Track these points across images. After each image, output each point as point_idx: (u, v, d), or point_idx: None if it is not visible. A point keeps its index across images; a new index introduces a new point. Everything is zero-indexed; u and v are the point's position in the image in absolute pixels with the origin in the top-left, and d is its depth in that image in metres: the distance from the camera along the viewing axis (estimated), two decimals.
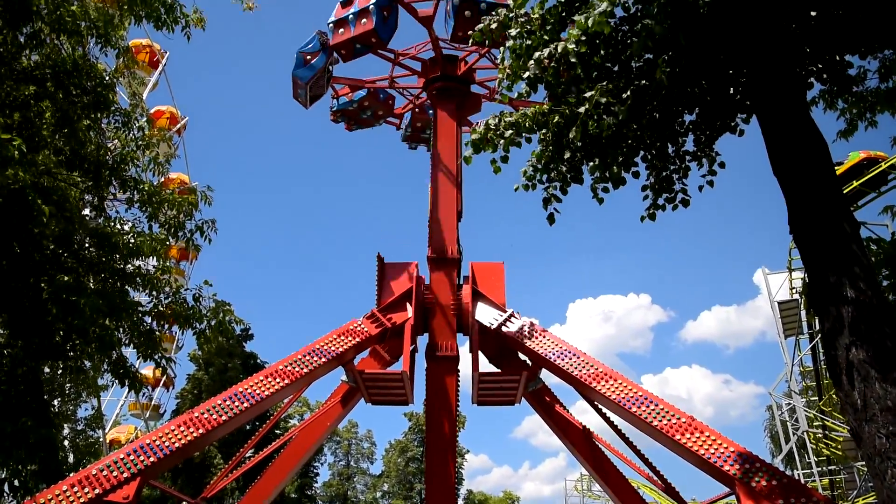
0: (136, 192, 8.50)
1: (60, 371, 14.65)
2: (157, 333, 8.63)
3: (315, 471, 61.13)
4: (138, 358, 8.58)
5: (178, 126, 39.72)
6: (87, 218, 8.64)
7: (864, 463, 29.30)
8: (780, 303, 32.01)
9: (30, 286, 7.35)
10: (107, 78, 8.42)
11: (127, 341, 8.26)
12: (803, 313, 31.05)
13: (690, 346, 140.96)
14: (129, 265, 8.97)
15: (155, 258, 9.48)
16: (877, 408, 5.93)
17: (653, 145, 8.10)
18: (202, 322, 8.75)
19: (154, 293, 9.02)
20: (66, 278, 7.02)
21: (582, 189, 8.06)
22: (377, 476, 66.99)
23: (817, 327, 30.71)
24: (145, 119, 9.26)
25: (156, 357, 8.32)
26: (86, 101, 7.87)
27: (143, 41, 36.06)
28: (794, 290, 31.67)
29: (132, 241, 8.35)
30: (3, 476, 7.25)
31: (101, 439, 35.10)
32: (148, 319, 8.61)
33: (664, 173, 8.51)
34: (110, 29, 8.53)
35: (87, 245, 8.64)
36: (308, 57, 17.20)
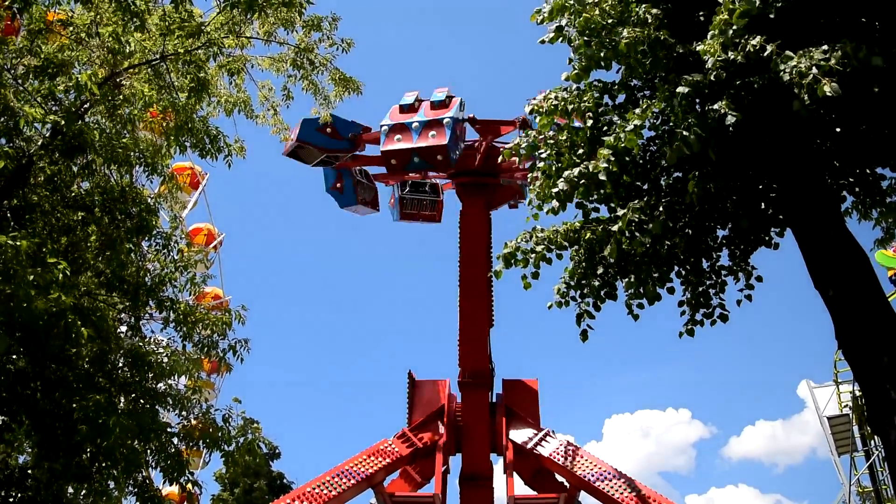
0: (172, 312, 8.62)
1: (84, 493, 14.35)
2: (185, 455, 8.43)
3: None
4: (164, 481, 8.33)
5: (215, 242, 40.96)
6: (122, 338, 8.73)
7: None
8: (829, 418, 30.35)
9: (61, 406, 7.33)
10: (150, 203, 8.79)
11: (154, 463, 8.07)
12: (856, 429, 29.32)
13: (736, 464, 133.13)
14: (161, 384, 8.94)
15: (186, 377, 9.44)
16: None
17: (687, 261, 8.04)
18: (230, 444, 8.54)
19: (184, 413, 8.91)
20: (98, 398, 7.00)
21: (616, 302, 7.96)
22: None
23: (874, 444, 28.92)
24: (185, 241, 9.52)
25: (181, 481, 8.08)
26: (129, 226, 8.17)
27: (185, 164, 38.08)
28: (843, 405, 30.13)
29: (166, 360, 8.38)
30: None
31: None
32: (176, 441, 8.46)
33: (700, 288, 8.38)
34: (158, 158, 9.01)
35: (120, 365, 8.68)
36: (338, 185, 17.22)
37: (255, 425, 9.41)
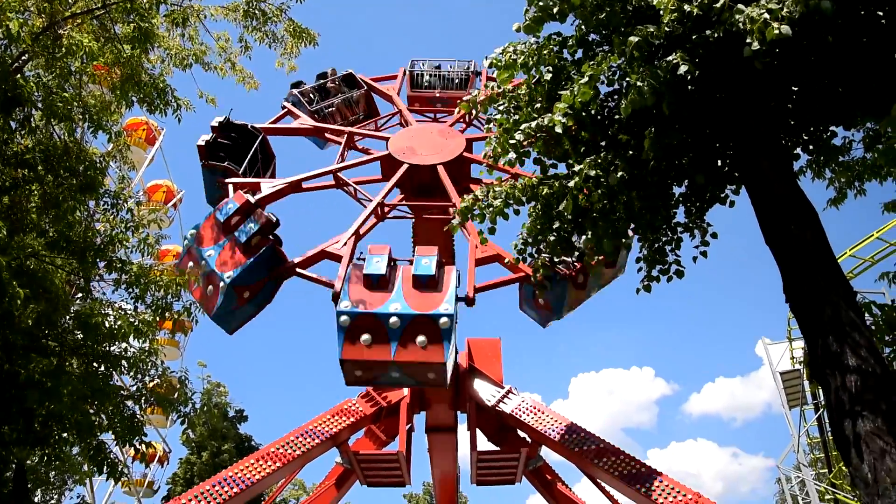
0: (122, 274, 8.39)
1: (37, 458, 14.16)
2: (139, 418, 8.32)
3: None
4: (116, 443, 8.23)
5: (174, 200, 40.06)
6: (72, 300, 8.49)
7: None
8: (782, 373, 31.52)
9: (7, 371, 7.12)
10: (97, 161, 8.47)
11: (107, 426, 7.94)
12: (806, 383, 30.52)
13: (696, 420, 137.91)
14: (114, 347, 8.75)
15: (141, 340, 9.26)
16: (888, 482, 5.66)
17: (644, 217, 8.10)
18: (187, 405, 8.46)
19: (139, 376, 8.76)
20: (45, 362, 6.81)
21: (571, 258, 8.02)
22: None
23: (822, 397, 30.16)
24: (134, 201, 9.24)
25: (135, 443, 7.99)
26: (74, 184, 7.87)
27: (140, 118, 36.88)
28: (795, 360, 31.25)
29: (116, 323, 8.18)
30: None
31: None
32: (130, 404, 8.33)
33: (657, 245, 8.48)
34: (104, 114, 8.65)
35: (70, 328, 8.45)
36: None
37: (221, 388, 9.32)
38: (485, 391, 15.18)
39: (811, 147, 8.63)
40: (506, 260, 12.07)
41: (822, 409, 30.47)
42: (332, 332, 11.12)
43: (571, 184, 7.05)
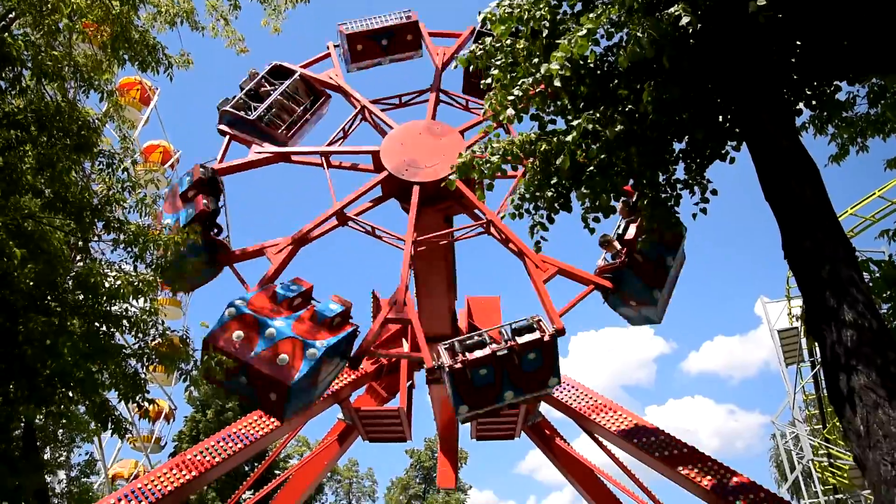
0: (121, 234, 8.37)
1: (43, 416, 14.38)
2: (142, 376, 8.41)
3: None
4: (119, 400, 8.34)
5: (172, 160, 39.76)
6: (69, 260, 8.49)
7: (870, 491, 28.75)
8: (780, 331, 31.73)
9: (6, 329, 7.17)
10: (92, 121, 8.36)
11: (110, 385, 8.03)
12: (804, 341, 30.74)
13: (694, 377, 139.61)
14: (115, 307, 8.78)
15: (142, 299, 9.29)
16: (880, 434, 5.74)
17: (643, 174, 8.04)
18: (188, 362, 8.54)
19: (140, 335, 8.81)
20: (42, 319, 6.85)
21: (570, 214, 7.98)
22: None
23: (818, 355, 30.45)
24: (130, 161, 9.14)
25: (138, 400, 8.10)
26: (68, 144, 7.79)
27: (133, 77, 36.32)
28: (793, 318, 31.42)
29: (115, 283, 8.19)
30: None
31: (95, 485, 34.45)
32: (133, 362, 8.41)
33: (656, 202, 8.43)
34: (96, 73, 8.51)
35: (70, 288, 8.47)
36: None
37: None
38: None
39: (814, 102, 8.51)
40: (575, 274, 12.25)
41: (818, 367, 30.77)
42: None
43: (569, 138, 6.98)
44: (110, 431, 8.53)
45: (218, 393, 39.71)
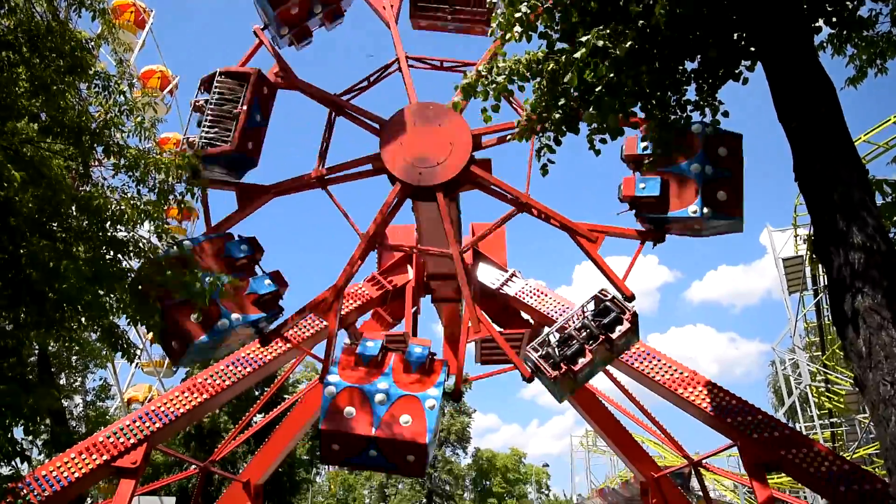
0: (121, 158, 8.27)
1: (55, 343, 14.66)
2: (151, 300, 8.51)
3: None
4: (128, 324, 8.47)
5: (170, 86, 38.97)
6: (76, 191, 8.42)
7: (866, 415, 29.39)
8: (784, 259, 31.80)
9: (7, 251, 7.18)
10: (85, 41, 8.10)
11: (118, 308, 8.12)
12: (808, 269, 30.87)
13: (697, 306, 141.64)
14: (119, 232, 8.79)
15: (147, 224, 9.28)
16: (882, 355, 5.79)
17: (653, 94, 7.80)
18: (195, 284, 8.61)
19: (147, 259, 8.85)
20: (45, 243, 6.85)
21: (584, 148, 7.81)
22: None
23: (822, 282, 30.57)
24: (127, 84, 8.91)
25: (147, 323, 8.21)
26: (61, 65, 7.58)
27: (127, 0, 35.20)
28: (798, 246, 31.45)
29: (119, 207, 8.16)
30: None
31: (110, 409, 35.62)
32: (140, 286, 8.48)
33: (665, 124, 8.22)
34: None
35: (74, 214, 8.44)
36: None
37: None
38: (489, 275, 15.43)
39: (834, 19, 8.15)
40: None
41: (820, 295, 31.01)
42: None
43: (577, 55, 6.73)
44: (121, 356, 8.71)
45: None
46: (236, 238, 11.71)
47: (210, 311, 10.46)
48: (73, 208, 8.08)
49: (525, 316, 16.29)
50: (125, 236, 8.98)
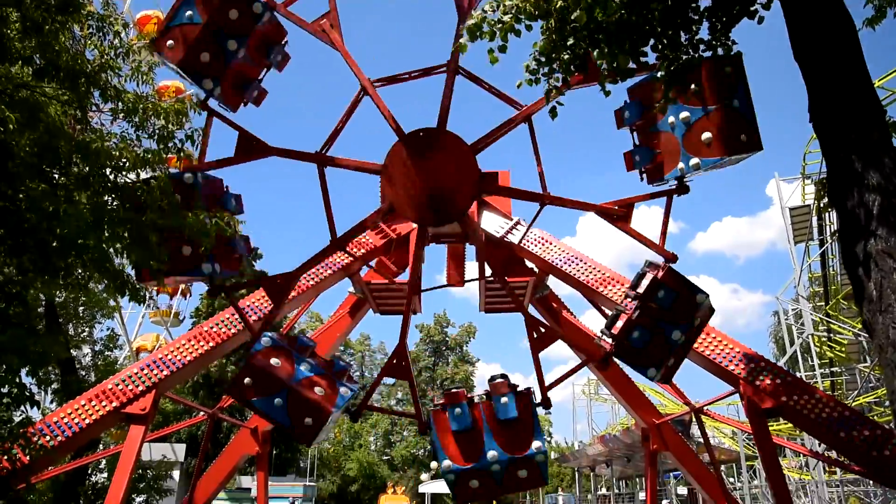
0: (118, 102, 8.09)
1: (62, 292, 14.65)
2: (154, 243, 8.45)
3: None
4: (132, 268, 8.42)
5: None
6: (70, 130, 8.25)
7: (866, 364, 29.59)
8: (791, 209, 31.58)
9: (9, 198, 7.09)
10: None
11: (121, 251, 8.08)
12: (814, 219, 30.67)
13: (700, 257, 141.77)
14: (121, 178, 8.67)
15: (149, 170, 9.15)
16: (893, 298, 5.72)
17: (664, 33, 7.54)
18: (197, 227, 8.54)
19: (151, 206, 8.75)
20: (44, 187, 6.76)
21: (591, 100, 7.61)
22: (391, 385, 69.15)
23: (828, 232, 30.42)
24: (121, 23, 8.65)
25: (152, 266, 8.18)
26: (52, 3, 7.33)
27: None
28: (806, 196, 31.17)
29: (118, 151, 8.01)
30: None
31: (119, 358, 36.15)
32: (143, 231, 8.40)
33: (677, 64, 7.97)
34: None
35: (75, 161, 8.32)
36: None
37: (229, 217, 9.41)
38: (493, 223, 15.30)
39: None
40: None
41: (826, 244, 30.90)
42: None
43: None
44: (128, 302, 8.72)
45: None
46: (227, 189, 11.61)
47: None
48: (73, 154, 7.96)
49: (530, 265, 16.24)
50: (125, 183, 8.88)
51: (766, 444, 12.42)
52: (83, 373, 25.32)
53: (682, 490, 52.87)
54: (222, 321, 14.37)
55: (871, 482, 31.25)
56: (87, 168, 8.00)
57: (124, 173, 8.80)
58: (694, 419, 18.05)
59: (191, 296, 46.79)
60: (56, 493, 19.17)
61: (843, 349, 32.81)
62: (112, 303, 29.98)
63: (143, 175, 9.24)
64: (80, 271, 8.20)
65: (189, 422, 25.20)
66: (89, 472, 21.58)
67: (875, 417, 23.05)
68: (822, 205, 29.59)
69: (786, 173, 35.91)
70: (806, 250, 32.56)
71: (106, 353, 27.21)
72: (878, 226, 5.85)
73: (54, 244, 7.59)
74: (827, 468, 31.40)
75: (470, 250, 15.87)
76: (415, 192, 11.64)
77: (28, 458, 11.63)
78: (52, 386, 25.05)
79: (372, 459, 61.28)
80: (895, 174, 6.01)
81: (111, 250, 7.93)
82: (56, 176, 8.10)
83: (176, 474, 30.74)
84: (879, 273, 5.82)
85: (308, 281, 14.71)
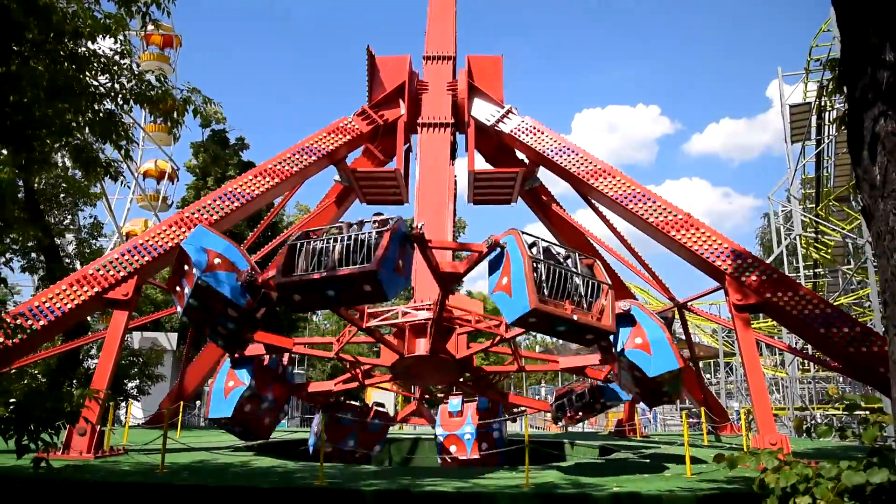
0: None
1: (41, 180, 14.13)
2: (119, 117, 7.93)
3: None
4: (97, 141, 7.95)
5: None
6: None
7: (849, 266, 29.78)
8: (792, 106, 30.78)
9: None
10: None
11: (86, 125, 7.58)
12: (814, 118, 29.97)
13: (694, 159, 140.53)
14: (81, 48, 8.01)
15: (113, 39, 8.47)
16: None
17: None
18: (164, 101, 7.99)
19: (113, 78, 8.15)
20: None
21: None
22: None
23: (826, 133, 29.83)
24: None
25: (120, 143, 7.70)
26: None
27: None
28: (807, 94, 30.33)
29: (76, 16, 7.33)
30: None
31: (108, 245, 36.01)
32: (108, 104, 7.86)
33: None
34: None
35: (29, 26, 7.62)
36: None
37: (201, 95, 8.84)
38: (484, 111, 14.73)
39: None
40: None
41: (823, 145, 30.37)
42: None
43: None
44: (103, 174, 8.30)
45: (217, 160, 39.92)
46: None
47: None
48: (30, 20, 7.27)
49: (520, 155, 15.83)
50: (87, 52, 8.23)
51: (747, 339, 12.55)
52: (68, 261, 25.18)
53: None
54: (205, 206, 14.03)
55: (841, 379, 32.47)
56: (44, 36, 7.34)
57: (84, 40, 8.14)
58: (677, 315, 18.30)
59: (178, 180, 46.39)
60: (49, 378, 19.49)
61: (829, 251, 33.07)
62: (97, 189, 29.45)
63: (106, 45, 8.57)
64: (45, 143, 7.71)
65: (173, 309, 25.36)
66: (81, 357, 21.88)
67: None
68: (822, 103, 28.85)
69: (789, 69, 34.71)
70: (802, 150, 32.06)
71: (91, 240, 26.98)
72: (888, 106, 5.45)
73: (13, 115, 7.08)
74: (800, 366, 32.47)
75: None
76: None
77: (10, 341, 11.61)
78: (39, 273, 24.96)
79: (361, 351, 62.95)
80: None
81: (73, 124, 7.41)
82: (10, 43, 7.45)
83: (168, 361, 31.43)
84: (885, 156, 5.48)
85: (292, 167, 14.28)
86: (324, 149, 14.47)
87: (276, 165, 14.33)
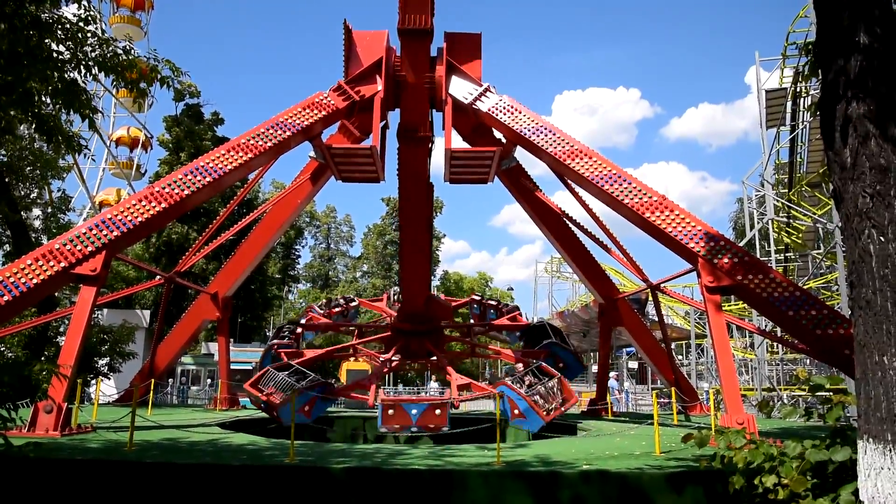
0: None
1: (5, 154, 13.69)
2: (82, 84, 7.69)
3: (297, 253, 63.36)
4: (60, 110, 7.69)
5: None
6: None
7: (819, 251, 30.26)
8: (768, 91, 31.05)
9: None
10: None
11: (48, 93, 7.33)
12: (789, 104, 30.28)
13: (673, 144, 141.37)
14: (43, 13, 7.73)
15: (77, 4, 8.19)
16: (867, 166, 5.45)
17: None
18: (131, 69, 7.76)
19: (77, 45, 7.89)
20: None
21: None
22: (357, 258, 69.78)
23: (800, 119, 30.15)
24: None
25: (82, 111, 7.46)
26: None
27: None
28: (784, 79, 30.60)
29: None
30: None
31: (80, 219, 35.25)
32: (72, 72, 7.61)
33: None
34: None
35: None
36: None
37: (172, 65, 8.59)
38: (461, 88, 14.57)
39: None
40: None
41: (797, 131, 30.73)
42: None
43: None
44: (66, 147, 8.07)
45: (192, 135, 39.22)
46: None
47: None
48: None
49: (498, 135, 15.72)
50: (49, 17, 7.95)
51: (718, 321, 12.68)
52: (35, 236, 24.63)
53: (633, 364, 55.73)
54: (176, 181, 13.72)
55: (808, 361, 33.18)
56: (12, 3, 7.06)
57: (48, 5, 7.85)
58: (650, 297, 18.46)
59: (152, 148, 45.59)
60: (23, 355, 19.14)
61: (800, 236, 33.61)
62: (69, 160, 28.72)
63: (70, 11, 8.29)
64: (9, 114, 7.46)
65: (145, 285, 24.95)
66: (52, 335, 21.50)
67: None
68: (797, 89, 29.12)
69: (767, 54, 34.88)
70: (776, 135, 32.42)
71: (59, 215, 26.41)
72: (860, 90, 5.47)
73: None
74: (769, 348, 33.07)
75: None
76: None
77: None
78: (5, 248, 24.32)
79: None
80: (887, 35, 5.56)
81: (36, 93, 7.16)
82: None
83: (140, 339, 31.01)
84: (857, 139, 5.52)
85: (266, 142, 14.03)
86: (299, 124, 14.22)
87: (249, 140, 14.06)
